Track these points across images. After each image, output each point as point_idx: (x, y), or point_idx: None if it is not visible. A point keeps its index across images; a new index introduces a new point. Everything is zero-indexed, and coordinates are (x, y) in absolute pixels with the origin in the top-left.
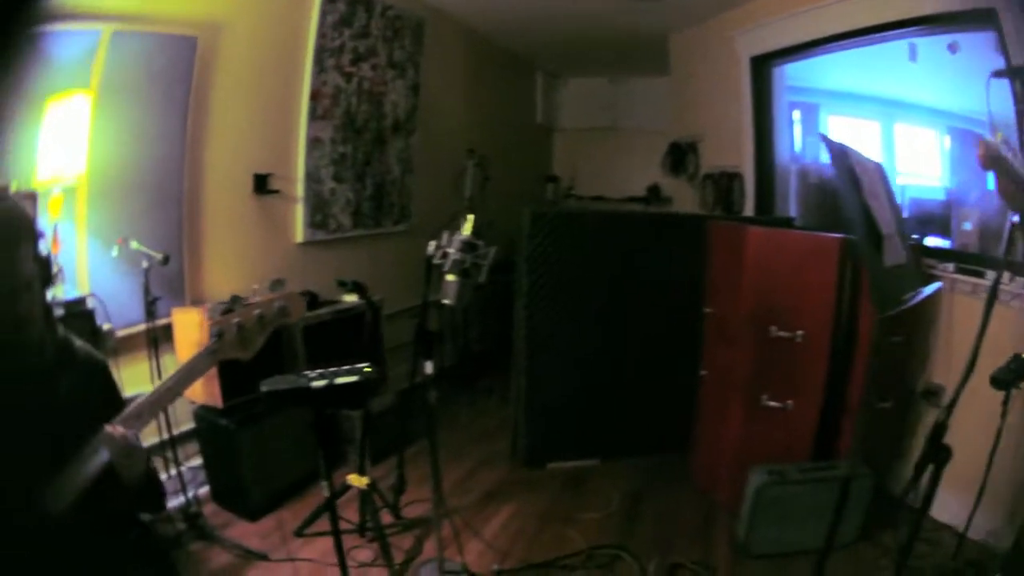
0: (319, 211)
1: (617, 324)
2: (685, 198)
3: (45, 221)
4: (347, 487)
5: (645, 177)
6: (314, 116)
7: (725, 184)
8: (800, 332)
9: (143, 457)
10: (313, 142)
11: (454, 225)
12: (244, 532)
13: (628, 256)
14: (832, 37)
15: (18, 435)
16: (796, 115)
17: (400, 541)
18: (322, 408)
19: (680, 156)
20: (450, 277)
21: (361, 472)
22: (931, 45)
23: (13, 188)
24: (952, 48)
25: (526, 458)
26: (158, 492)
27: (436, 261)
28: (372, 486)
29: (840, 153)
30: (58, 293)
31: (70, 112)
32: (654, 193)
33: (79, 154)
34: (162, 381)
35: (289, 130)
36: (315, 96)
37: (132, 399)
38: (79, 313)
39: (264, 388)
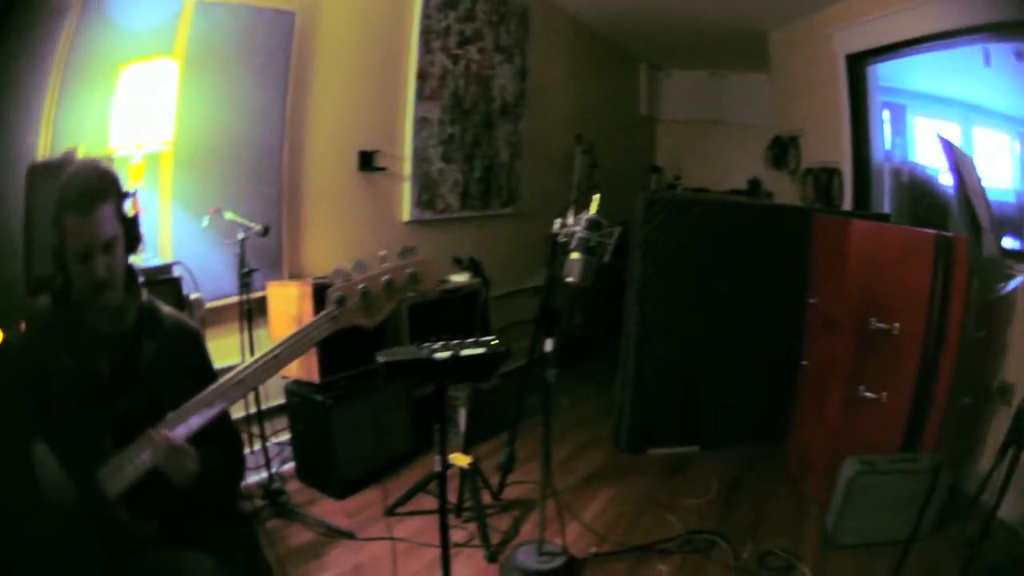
0: (427, 191)
1: (723, 312)
2: (785, 192)
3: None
4: (449, 466)
5: (746, 170)
6: (421, 96)
7: (825, 179)
8: (896, 325)
9: (192, 458)
10: (421, 122)
11: (579, 204)
12: (329, 510)
13: (736, 245)
14: (921, 38)
15: (92, 401)
16: (885, 115)
17: (497, 522)
18: (444, 381)
19: (782, 150)
20: (575, 255)
21: (464, 451)
22: (1002, 52)
23: (80, 153)
24: (1019, 56)
25: (628, 443)
26: (227, 484)
27: (561, 239)
28: (474, 466)
29: (953, 150)
30: (137, 260)
31: (151, 77)
32: (755, 186)
33: (164, 121)
34: (272, 347)
35: (395, 109)
36: (422, 76)
37: (224, 371)
38: (164, 280)
39: (381, 359)
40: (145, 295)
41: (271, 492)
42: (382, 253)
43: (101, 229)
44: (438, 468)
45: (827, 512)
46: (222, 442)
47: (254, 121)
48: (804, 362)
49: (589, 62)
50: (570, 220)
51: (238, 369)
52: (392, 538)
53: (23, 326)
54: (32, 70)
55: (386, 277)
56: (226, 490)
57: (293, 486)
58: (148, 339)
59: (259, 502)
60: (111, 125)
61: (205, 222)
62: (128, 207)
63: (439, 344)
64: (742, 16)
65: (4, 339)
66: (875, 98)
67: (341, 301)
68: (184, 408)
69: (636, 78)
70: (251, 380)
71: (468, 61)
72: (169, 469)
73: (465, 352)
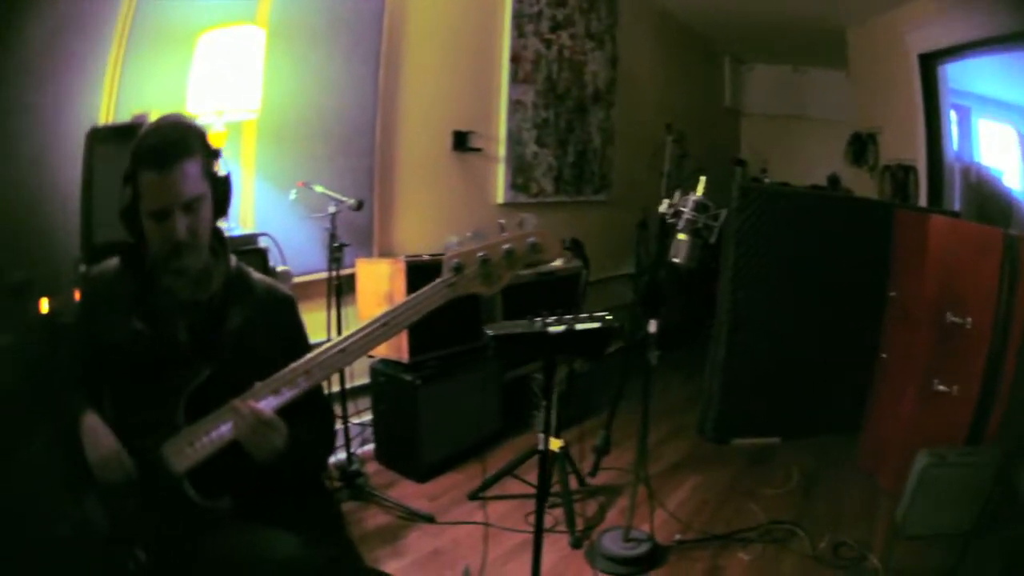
0: (521, 174)
1: (808, 303)
2: (863, 189)
3: None
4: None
5: (826, 166)
6: (515, 79)
7: (902, 176)
8: (969, 319)
9: (281, 433)
10: (515, 104)
11: (687, 185)
12: (409, 493)
13: (822, 237)
14: (988, 40)
15: (166, 370)
16: (952, 116)
17: (582, 508)
18: (554, 356)
19: (862, 147)
20: (682, 236)
21: (556, 434)
22: None
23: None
24: None
25: (714, 432)
26: (314, 462)
27: (669, 220)
28: (565, 450)
29: None
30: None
31: (234, 45)
32: (834, 183)
33: (248, 90)
34: (379, 315)
35: (489, 91)
36: (515, 59)
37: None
38: (249, 251)
39: (490, 332)
40: (234, 261)
41: (349, 473)
42: (501, 221)
43: (183, 187)
44: (541, 447)
45: (898, 504)
46: (313, 417)
47: (344, 96)
48: (883, 355)
49: (675, 52)
50: (677, 200)
51: (341, 337)
52: (470, 522)
53: (77, 295)
54: (87, 35)
55: (507, 246)
56: (313, 468)
57: (371, 468)
58: (236, 306)
59: (336, 483)
60: (189, 91)
61: (292, 195)
62: (218, 166)
63: (552, 319)
64: (821, 12)
65: (52, 308)
66: (945, 98)
67: (459, 269)
68: (277, 378)
69: (720, 70)
70: (355, 349)
71: (560, 46)
72: (253, 443)
73: (580, 326)
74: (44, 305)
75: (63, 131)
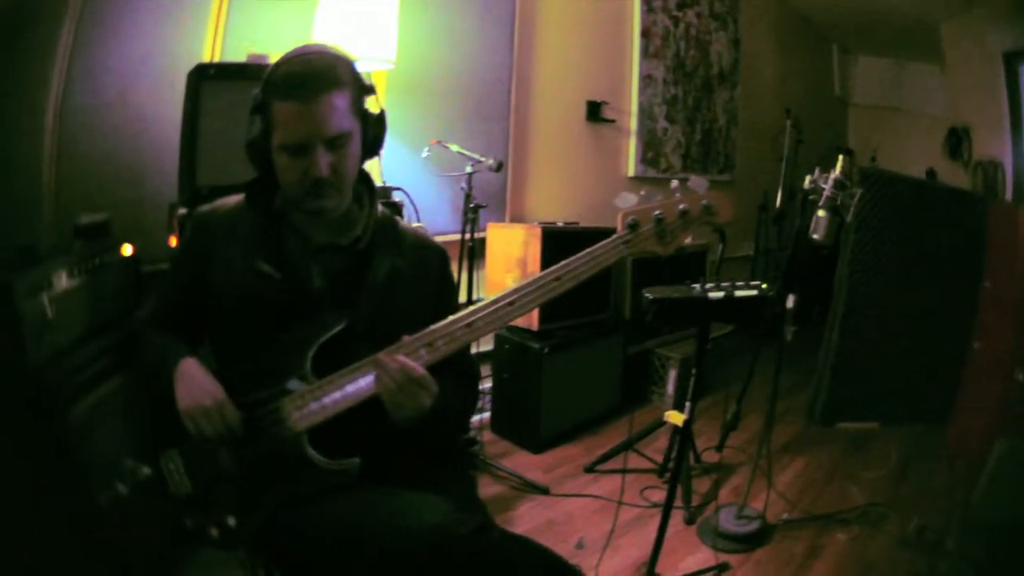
0: (651, 148)
1: (915, 292)
2: (959, 183)
3: None
4: (660, 423)
5: (923, 160)
6: (646, 53)
7: (992, 172)
8: None
9: (430, 392)
10: (646, 79)
11: (827, 163)
12: (523, 464)
13: (931, 225)
14: None
15: (293, 318)
16: None
17: (697, 485)
18: (709, 321)
19: (957, 142)
20: (821, 212)
21: (680, 409)
22: None
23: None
24: None
25: (823, 415)
26: (456, 424)
27: (811, 197)
28: (688, 425)
29: None
30: None
31: None
32: (931, 176)
33: (383, 39)
34: (551, 268)
35: (621, 63)
36: (645, 34)
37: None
38: (384, 204)
39: (650, 295)
40: (383, 208)
41: (464, 441)
42: (675, 183)
43: (328, 121)
44: (687, 416)
45: (976, 491)
46: (461, 375)
47: (479, 57)
48: (976, 344)
49: (790, 38)
50: (818, 177)
51: (511, 289)
52: (585, 495)
53: (172, 240)
54: None
55: (682, 206)
56: (454, 431)
57: (486, 437)
58: (383, 255)
59: None
60: (315, 34)
61: (425, 152)
62: (371, 103)
63: (711, 284)
64: (918, 6)
65: (135, 251)
66: None
67: (634, 226)
68: (433, 331)
69: (829, 59)
70: (524, 302)
71: (687, 24)
72: (397, 402)
73: (739, 293)
74: (126, 249)
75: (154, 71)
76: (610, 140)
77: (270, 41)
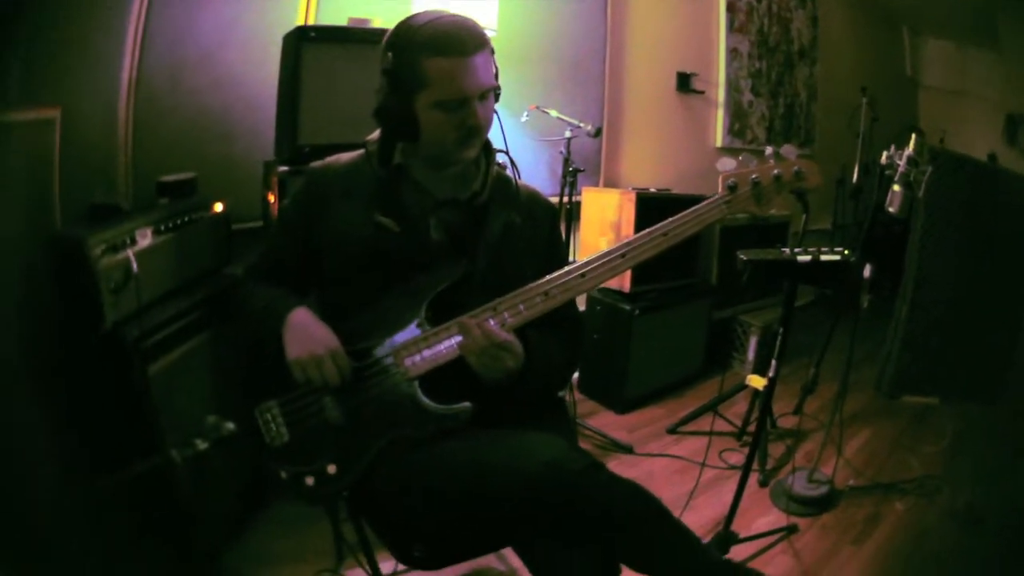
0: (737, 119)
1: (979, 271)
2: (1019, 169)
3: None
4: (743, 386)
5: (986, 144)
6: (731, 28)
7: None
8: None
9: (515, 356)
10: (732, 52)
11: (901, 141)
12: (608, 423)
13: (994, 206)
14: None
15: (409, 268)
16: None
17: (772, 449)
18: (797, 283)
19: (1014, 129)
20: (896, 187)
21: (762, 373)
22: None
23: (376, 24)
24: None
25: (889, 387)
26: (554, 380)
27: (887, 172)
28: (769, 389)
29: None
30: None
31: None
32: (992, 160)
33: (484, 6)
34: (660, 224)
35: (708, 37)
36: (731, 8)
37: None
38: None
39: (744, 256)
40: (497, 167)
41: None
42: (769, 150)
43: (485, 75)
44: (772, 374)
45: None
46: (562, 328)
47: (574, 26)
48: None
49: (864, 18)
50: (893, 153)
51: (618, 244)
52: (668, 455)
53: (271, 196)
54: None
55: (776, 171)
56: (556, 384)
57: (572, 398)
58: (498, 210)
59: None
60: (413, 4)
61: (524, 117)
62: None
63: (799, 249)
64: None
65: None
66: None
67: (733, 188)
68: (547, 281)
69: (901, 40)
70: (635, 255)
71: (769, 1)
72: (481, 364)
73: (825, 257)
74: (216, 207)
75: (244, 34)
76: (699, 111)
77: (366, 7)
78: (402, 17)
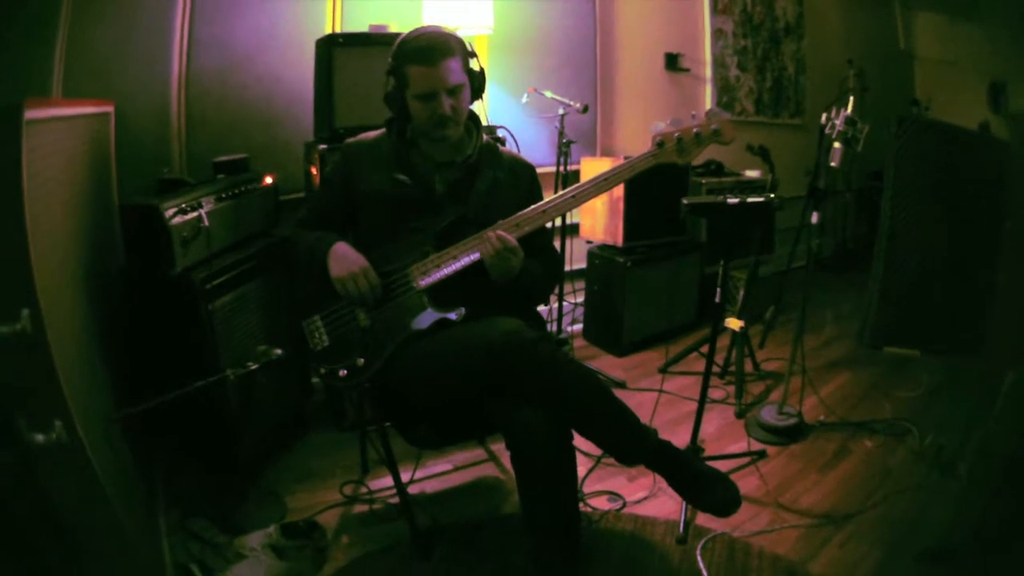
0: (725, 93)
1: (951, 228)
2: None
3: None
4: (723, 328)
5: (978, 113)
6: (716, 10)
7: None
8: None
9: (519, 258)
10: (717, 32)
11: (841, 103)
12: (607, 364)
13: (965, 168)
14: None
15: (422, 211)
16: None
17: (752, 387)
18: (732, 223)
19: (996, 96)
20: (836, 144)
21: (739, 317)
22: None
23: (392, 29)
24: None
25: (870, 340)
26: (537, 289)
27: (827, 131)
28: (744, 331)
29: None
30: None
31: None
32: (984, 128)
33: (481, 11)
34: (602, 172)
35: (693, 19)
36: None
37: None
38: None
39: (686, 202)
40: (486, 137)
41: (555, 340)
42: (693, 113)
43: (447, 77)
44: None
45: (991, 421)
46: (543, 255)
47: (565, 19)
48: (1000, 278)
49: None
50: (833, 115)
51: (572, 187)
52: (656, 390)
53: (312, 169)
54: None
55: (696, 130)
56: (538, 293)
57: (578, 344)
58: (487, 169)
59: None
60: (424, 11)
61: (524, 99)
62: (475, 63)
63: (733, 195)
64: None
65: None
66: None
67: (661, 144)
68: (519, 215)
69: (892, 12)
70: (583, 197)
71: None
72: (495, 264)
73: (751, 199)
74: (267, 180)
75: (282, 39)
76: (688, 87)
77: (383, 15)
78: (414, 21)
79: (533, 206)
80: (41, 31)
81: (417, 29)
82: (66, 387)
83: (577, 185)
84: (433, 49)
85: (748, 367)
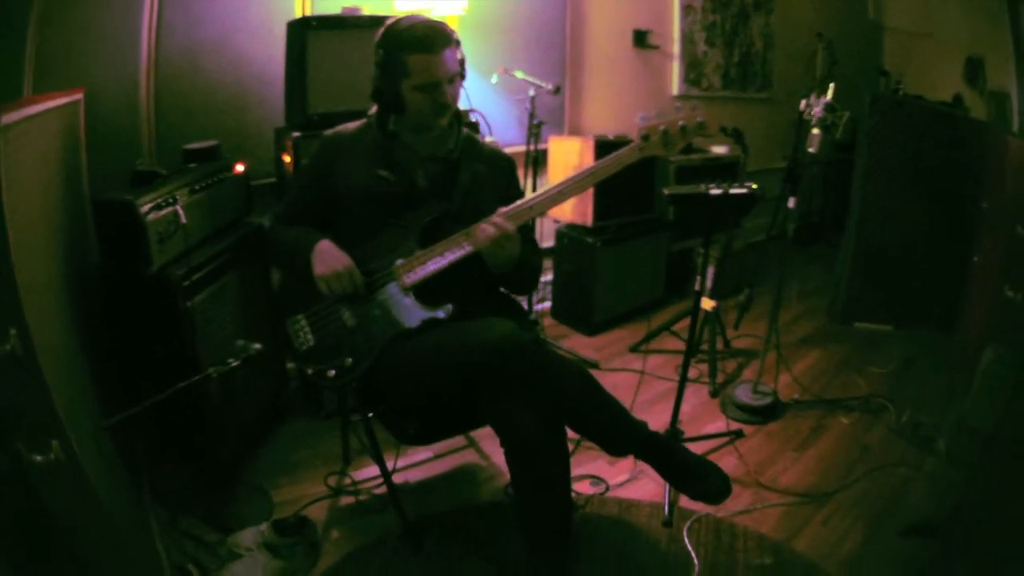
0: (693, 69)
1: (924, 206)
2: (979, 111)
3: None
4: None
5: (952, 86)
6: None
7: (1001, 102)
8: None
9: (516, 242)
10: (686, 9)
11: (820, 89)
12: (578, 344)
13: (939, 146)
14: None
15: (405, 206)
16: None
17: (723, 366)
18: (713, 213)
19: (973, 71)
20: (815, 130)
21: (711, 296)
22: None
23: (366, 11)
24: None
25: (840, 314)
26: (525, 278)
27: (805, 117)
28: (716, 310)
29: None
30: None
31: None
32: (958, 102)
33: None
34: (590, 166)
35: None
36: None
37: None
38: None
39: (667, 191)
40: (466, 129)
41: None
42: (678, 105)
43: (449, 66)
44: (698, 286)
45: (968, 397)
46: (527, 245)
47: (535, 1)
48: (975, 259)
49: None
50: (812, 101)
51: (560, 181)
52: (629, 369)
53: (285, 158)
54: None
55: (681, 122)
56: (528, 281)
57: (547, 323)
58: (467, 162)
59: None
60: None
61: (494, 79)
62: (461, 52)
63: (715, 185)
64: None
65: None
66: None
67: (646, 137)
68: (514, 207)
69: None
70: (569, 190)
71: None
72: (495, 252)
73: (733, 191)
74: (239, 167)
75: (253, 21)
76: (656, 63)
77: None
78: (385, 3)
79: (519, 201)
80: (12, 29)
81: (406, 18)
82: (59, 404)
83: (565, 180)
84: (434, 38)
85: (719, 344)
